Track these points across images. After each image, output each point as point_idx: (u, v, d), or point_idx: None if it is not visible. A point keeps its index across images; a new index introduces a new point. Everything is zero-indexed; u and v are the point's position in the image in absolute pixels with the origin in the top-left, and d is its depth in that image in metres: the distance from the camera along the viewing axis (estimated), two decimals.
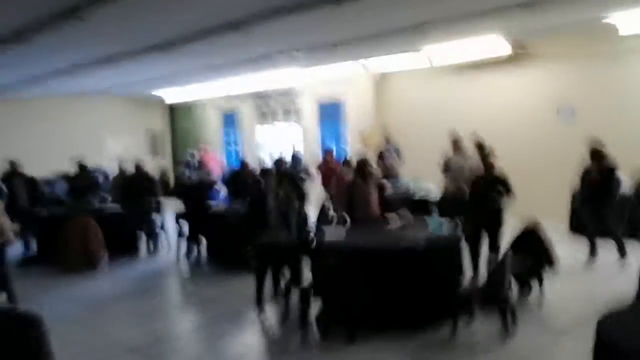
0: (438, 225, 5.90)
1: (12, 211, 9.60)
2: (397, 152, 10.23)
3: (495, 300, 5.04)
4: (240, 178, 9.64)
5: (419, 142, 11.02)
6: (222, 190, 11.73)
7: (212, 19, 6.03)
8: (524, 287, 5.96)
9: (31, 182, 9.87)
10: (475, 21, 6.92)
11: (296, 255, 6.09)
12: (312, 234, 8.48)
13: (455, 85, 11.28)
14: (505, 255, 5.17)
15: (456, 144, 8.55)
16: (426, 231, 5.85)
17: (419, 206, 8.16)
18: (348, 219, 9.05)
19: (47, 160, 13.15)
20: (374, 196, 6.62)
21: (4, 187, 9.59)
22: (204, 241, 8.90)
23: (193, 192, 9.52)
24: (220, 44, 6.94)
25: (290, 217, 7.14)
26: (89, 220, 8.64)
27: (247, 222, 7.05)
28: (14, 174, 9.68)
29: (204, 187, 9.69)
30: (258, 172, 9.73)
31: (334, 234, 5.91)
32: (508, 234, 6.34)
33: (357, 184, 6.62)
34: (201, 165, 9.84)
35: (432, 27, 7.16)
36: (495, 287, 5.03)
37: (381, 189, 6.87)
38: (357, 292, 5.03)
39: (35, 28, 5.78)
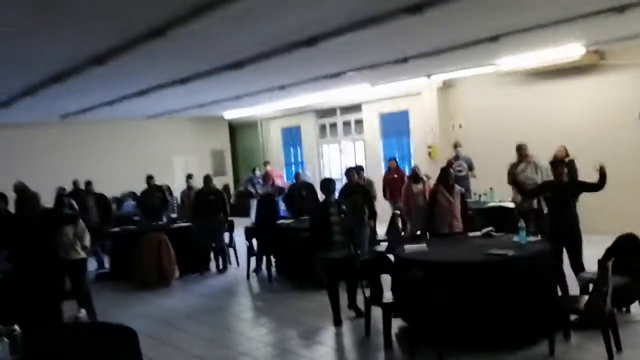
0: (524, 236, 5.62)
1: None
2: (469, 163, 9.91)
3: (596, 319, 4.71)
4: (295, 191, 9.63)
5: (488, 152, 10.66)
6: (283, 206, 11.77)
7: (288, 36, 6.02)
8: (622, 305, 5.57)
9: (102, 200, 10.16)
10: (555, 30, 6.63)
11: (374, 271, 5.90)
12: (382, 249, 8.37)
13: (526, 92, 10.88)
14: (604, 269, 4.83)
15: (523, 153, 8.24)
16: (512, 243, 5.59)
17: (495, 218, 7.89)
18: (420, 232, 8.88)
19: (117, 180, 13.56)
20: (458, 208, 6.38)
21: (75, 204, 9.96)
22: (273, 257, 8.86)
23: (262, 204, 9.48)
24: (293, 60, 6.92)
25: (360, 231, 6.97)
26: (161, 237, 8.77)
27: (310, 237, 6.90)
28: (87, 192, 10.00)
29: (270, 202, 9.65)
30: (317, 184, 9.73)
31: (415, 248, 5.70)
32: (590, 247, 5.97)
33: (439, 195, 6.39)
34: (266, 180, 9.85)
35: (507, 38, 6.94)
36: (595, 305, 4.70)
37: (464, 200, 6.62)
38: (444, 308, 4.80)
39: (114, 52, 5.93)
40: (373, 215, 8.16)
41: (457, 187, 6.64)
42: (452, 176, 6.59)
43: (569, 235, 5.95)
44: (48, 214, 6.49)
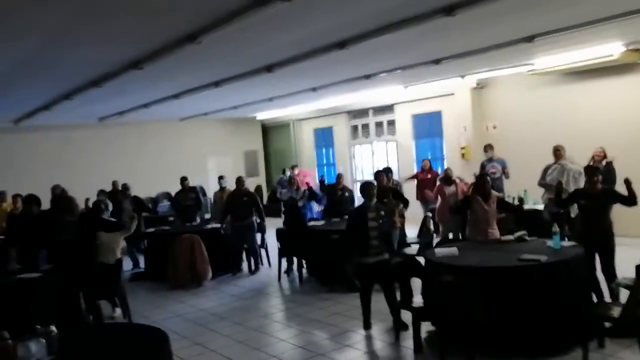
0: (558, 241, 5.52)
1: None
2: (503, 165, 9.76)
3: (632, 327, 4.58)
4: (335, 193, 9.64)
5: (523, 153, 10.48)
6: (316, 207, 11.78)
7: (318, 40, 6.04)
8: None
9: (137, 202, 10.39)
10: (593, 29, 6.46)
11: (404, 275, 5.86)
12: (412, 251, 8.30)
13: (562, 92, 10.64)
14: None
15: (559, 155, 8.07)
16: (546, 248, 5.49)
17: (528, 222, 7.75)
18: (451, 235, 8.80)
19: (152, 181, 13.87)
20: (494, 215, 6.29)
21: (109, 204, 10.22)
22: (304, 259, 8.89)
23: (287, 209, 9.53)
24: (323, 62, 6.94)
25: (393, 234, 6.93)
26: (194, 238, 8.91)
27: (345, 240, 6.90)
28: (124, 195, 10.30)
29: (292, 207, 9.68)
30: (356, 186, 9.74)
31: (446, 251, 5.64)
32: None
33: (475, 204, 6.31)
34: (290, 184, 9.89)
35: (543, 39, 6.81)
36: (631, 312, 4.57)
37: (502, 203, 6.52)
38: (475, 313, 4.74)
39: (150, 57, 6.05)
40: (405, 203, 8.15)
41: (494, 193, 6.54)
42: (489, 184, 6.48)
43: (601, 244, 5.83)
44: (87, 218, 6.64)
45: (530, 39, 6.79)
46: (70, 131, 14.01)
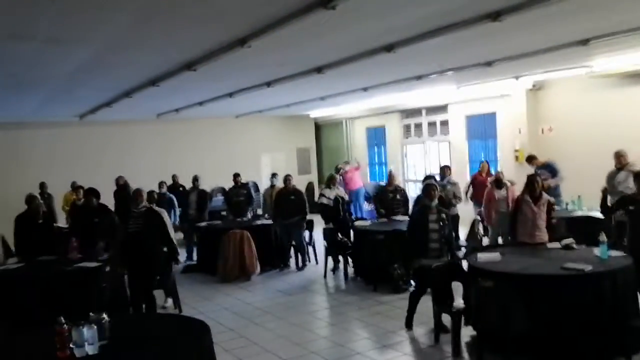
0: (605, 250, 5.38)
1: (183, 221, 10.73)
2: (550, 169, 9.49)
3: None
4: (386, 195, 9.64)
5: (579, 157, 10.19)
6: (367, 206, 11.83)
7: (367, 43, 6.13)
8: None
9: (202, 196, 10.80)
10: None
11: (446, 278, 5.86)
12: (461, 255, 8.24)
13: (621, 96, 10.25)
14: None
15: (622, 161, 7.80)
16: (593, 257, 5.37)
17: (581, 228, 7.57)
18: (501, 240, 8.66)
19: (207, 176, 14.28)
20: (543, 218, 6.20)
21: (173, 198, 10.67)
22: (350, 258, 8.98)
23: (333, 208, 9.61)
24: (373, 64, 7.01)
25: (451, 238, 6.85)
26: (244, 233, 9.16)
27: (407, 241, 6.85)
28: (193, 187, 10.88)
29: (342, 204, 9.76)
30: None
31: (488, 256, 5.61)
32: None
33: (524, 204, 6.23)
34: (334, 182, 9.99)
35: (598, 42, 6.63)
36: None
37: (550, 209, 6.41)
38: (514, 320, 4.71)
39: (202, 59, 6.30)
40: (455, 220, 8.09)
41: (545, 197, 6.42)
42: (539, 185, 6.38)
43: None
44: (154, 211, 6.93)
45: (585, 42, 6.64)
46: (130, 126, 14.63)
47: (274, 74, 7.93)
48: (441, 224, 6.17)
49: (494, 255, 5.61)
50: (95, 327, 3.50)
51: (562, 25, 5.90)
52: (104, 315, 3.64)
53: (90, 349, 3.44)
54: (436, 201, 6.33)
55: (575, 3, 4.93)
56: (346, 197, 9.35)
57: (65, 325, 3.44)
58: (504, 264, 5.36)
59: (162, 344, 3.62)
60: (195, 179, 10.94)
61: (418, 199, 8.03)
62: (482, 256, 5.66)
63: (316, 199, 14.48)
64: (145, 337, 3.77)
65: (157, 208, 7.21)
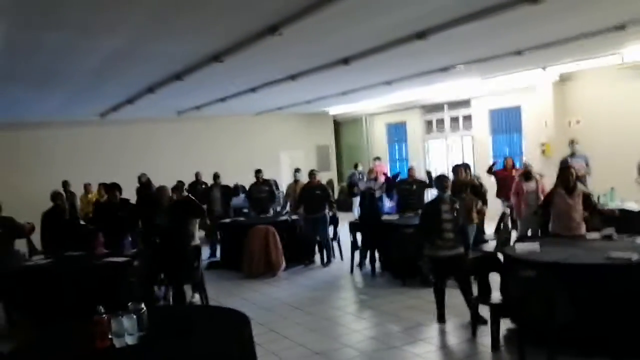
0: None
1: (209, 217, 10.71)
2: (586, 161, 9.30)
3: None
4: (405, 187, 9.52)
5: (609, 150, 9.96)
6: (388, 203, 11.67)
7: (399, 30, 6.00)
8: None
9: (226, 192, 10.77)
10: None
11: (482, 270, 5.72)
12: (488, 248, 8.10)
13: None
14: None
15: None
16: (636, 246, 5.19)
17: (614, 220, 7.35)
18: (530, 233, 8.48)
19: (227, 173, 14.22)
20: (579, 210, 6.03)
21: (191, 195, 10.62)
22: (377, 252, 8.86)
23: (364, 201, 9.47)
24: (401, 54, 6.89)
25: (468, 229, 6.75)
26: (269, 229, 9.08)
27: (418, 234, 6.80)
28: (215, 184, 10.88)
29: (371, 197, 9.64)
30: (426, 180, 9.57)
31: (527, 247, 5.46)
32: None
33: (557, 197, 6.06)
34: (370, 174, 9.88)
35: (637, 26, 6.44)
36: None
37: (587, 200, 6.23)
38: (558, 311, 4.55)
39: (232, 49, 6.22)
40: (484, 200, 7.92)
41: (580, 187, 6.25)
42: (573, 176, 6.20)
43: None
44: (180, 204, 6.90)
45: (622, 27, 6.45)
46: (150, 125, 14.64)
47: (299, 66, 7.84)
48: (454, 214, 6.04)
49: (534, 246, 5.45)
50: (135, 317, 3.42)
51: (601, 8, 5.73)
52: (143, 306, 3.55)
53: (130, 339, 3.36)
54: (449, 192, 6.22)
55: None
56: (377, 192, 9.18)
57: (104, 315, 3.36)
58: (545, 255, 5.20)
59: (202, 335, 3.53)
60: (217, 176, 10.90)
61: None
62: (520, 247, 5.52)
63: (336, 196, 14.38)
64: (184, 328, 3.67)
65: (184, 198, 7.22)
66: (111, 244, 7.13)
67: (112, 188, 8.17)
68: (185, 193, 7.85)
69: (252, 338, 3.64)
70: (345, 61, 7.28)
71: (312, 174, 9.76)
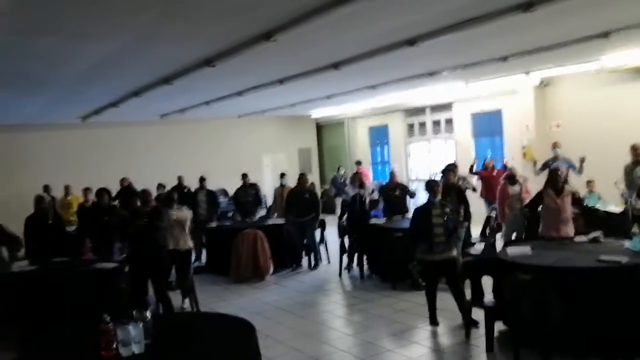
0: (638, 242, 5.34)
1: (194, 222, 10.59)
2: (569, 164, 9.44)
3: None
4: (389, 191, 9.57)
5: (589, 153, 10.13)
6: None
7: (389, 37, 6.06)
8: None
9: (212, 196, 10.78)
10: None
11: (476, 273, 5.81)
12: (476, 251, 8.20)
13: (631, 91, 10.25)
14: None
15: (638, 153, 7.80)
16: (624, 249, 5.33)
17: (596, 222, 7.54)
18: (514, 236, 8.63)
19: (209, 176, 14.14)
20: (568, 211, 6.15)
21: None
22: (365, 255, 8.91)
23: (352, 206, 9.52)
24: (390, 59, 6.96)
25: (458, 232, 6.83)
26: (257, 233, 9.06)
27: (410, 237, 6.85)
28: (200, 187, 10.76)
29: (361, 203, 9.70)
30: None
31: (519, 250, 5.56)
32: None
33: (547, 198, 6.17)
34: (354, 180, 9.93)
35: (619, 34, 6.62)
36: None
37: (576, 201, 6.36)
38: (551, 313, 4.65)
39: (224, 54, 6.20)
40: (467, 216, 7.99)
41: (568, 188, 6.38)
42: (561, 178, 6.34)
43: None
44: (158, 210, 6.84)
45: (606, 34, 6.62)
46: (132, 128, 14.48)
47: (290, 70, 7.84)
48: (445, 218, 6.13)
49: (525, 249, 5.56)
50: (141, 325, 3.40)
51: (587, 17, 5.88)
52: (148, 314, 3.53)
53: (136, 348, 3.33)
54: (439, 197, 6.29)
55: None
56: (368, 196, 9.23)
57: (110, 324, 3.33)
58: (538, 258, 5.31)
59: (208, 343, 3.52)
60: (202, 179, 10.81)
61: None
62: (512, 250, 5.61)
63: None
64: (189, 336, 3.66)
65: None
66: (100, 250, 7.03)
67: (101, 192, 8.10)
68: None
69: (258, 347, 3.65)
70: (336, 66, 7.32)
71: (302, 177, 9.77)
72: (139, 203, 6.63)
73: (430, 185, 6.43)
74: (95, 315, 3.53)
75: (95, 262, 6.67)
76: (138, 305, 6.22)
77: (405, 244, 7.84)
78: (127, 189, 11.32)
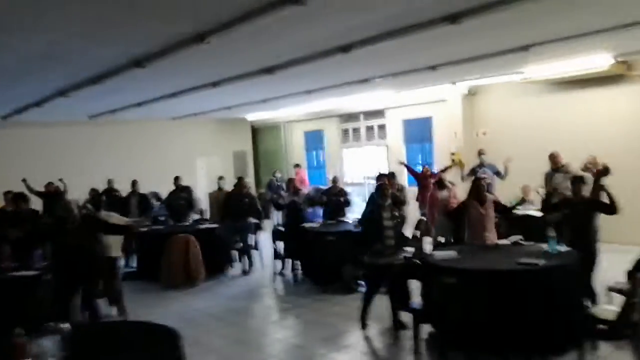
0: (554, 246, 5.64)
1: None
2: (494, 170, 9.81)
3: (625, 330, 4.71)
4: (332, 196, 9.66)
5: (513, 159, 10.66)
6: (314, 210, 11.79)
7: (323, 43, 6.11)
8: None
9: (143, 200, 10.50)
10: (585, 40, 6.67)
11: (402, 276, 5.93)
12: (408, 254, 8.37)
13: (552, 101, 10.83)
14: (635, 280, 4.83)
15: (557, 162, 8.21)
16: (542, 252, 5.60)
17: (520, 227, 7.88)
18: (442, 240, 8.87)
19: (141, 180, 13.77)
20: (491, 219, 6.37)
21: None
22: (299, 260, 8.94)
23: (289, 212, 9.50)
24: (324, 65, 7.01)
25: (404, 237, 6.90)
26: (189, 238, 8.88)
27: (360, 241, 6.80)
28: (133, 191, 10.55)
29: (296, 210, 9.72)
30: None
31: (445, 255, 5.72)
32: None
33: (471, 209, 6.37)
34: (289, 187, 9.94)
35: (538, 48, 6.98)
36: (625, 315, 4.70)
37: (498, 205, 6.60)
38: (476, 315, 4.83)
39: (155, 55, 6.04)
40: (402, 221, 8.14)
41: (489, 197, 6.63)
42: (484, 188, 6.57)
43: (584, 253, 5.79)
44: (92, 221, 6.52)
45: (526, 47, 6.96)
46: (59, 128, 13.87)
47: (224, 73, 7.74)
48: (395, 221, 6.24)
49: (450, 254, 5.72)
50: (58, 337, 3.27)
51: (509, 31, 6.15)
52: (65, 325, 3.40)
53: None
54: (389, 200, 6.40)
55: (524, 11, 5.16)
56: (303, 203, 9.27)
57: (24, 336, 3.18)
58: (464, 261, 5.48)
59: (132, 354, 3.42)
60: (135, 183, 10.53)
61: (372, 199, 8.09)
62: (438, 254, 5.77)
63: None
64: (111, 346, 3.54)
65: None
66: (20, 257, 6.69)
67: (17, 199, 7.71)
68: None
69: (183, 356, 3.58)
70: (270, 70, 7.30)
71: (240, 180, 9.68)
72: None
73: (379, 189, 6.51)
74: (11, 326, 3.35)
75: (13, 270, 6.36)
76: (61, 315, 6.04)
77: (337, 248, 7.98)
78: (52, 195, 10.85)
